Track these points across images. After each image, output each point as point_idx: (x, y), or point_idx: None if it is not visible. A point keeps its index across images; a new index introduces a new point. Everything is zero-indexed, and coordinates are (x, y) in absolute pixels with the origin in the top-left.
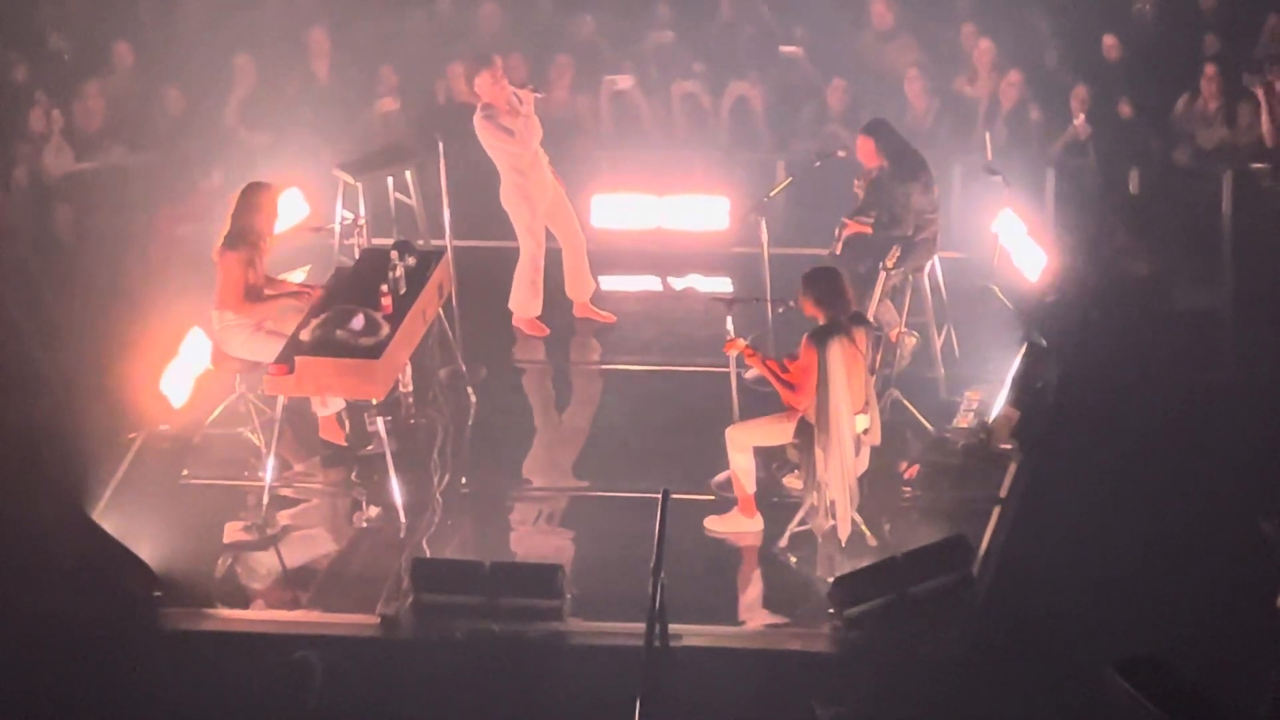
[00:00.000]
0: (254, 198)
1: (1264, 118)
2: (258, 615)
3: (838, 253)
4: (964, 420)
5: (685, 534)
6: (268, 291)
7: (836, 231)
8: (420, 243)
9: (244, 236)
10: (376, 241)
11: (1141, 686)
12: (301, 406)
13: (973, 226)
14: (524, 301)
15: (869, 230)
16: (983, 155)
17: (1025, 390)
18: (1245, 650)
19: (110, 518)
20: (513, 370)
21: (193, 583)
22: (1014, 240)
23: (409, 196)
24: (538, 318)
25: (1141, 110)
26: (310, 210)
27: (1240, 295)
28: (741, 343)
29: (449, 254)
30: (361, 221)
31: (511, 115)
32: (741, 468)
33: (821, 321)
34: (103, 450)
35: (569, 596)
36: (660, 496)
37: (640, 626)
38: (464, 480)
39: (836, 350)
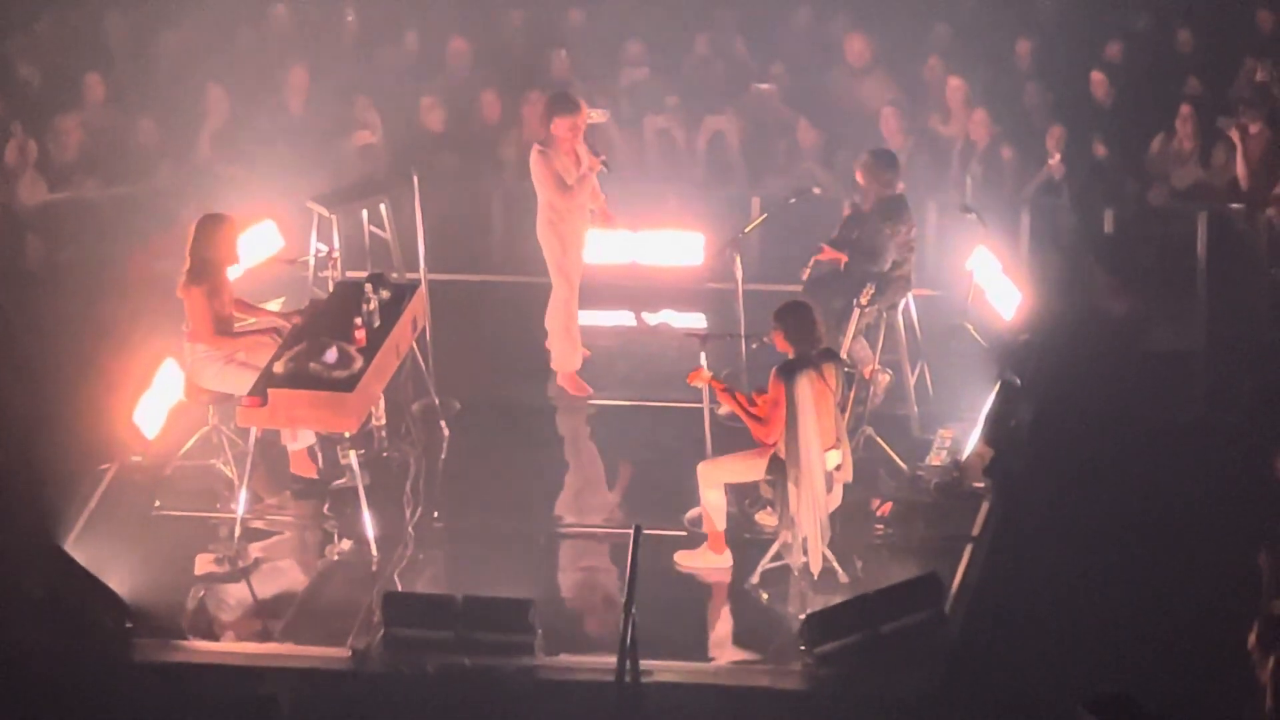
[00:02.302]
0: (211, 231)
1: (1239, 159)
2: (229, 647)
3: (804, 278)
4: (937, 458)
5: (657, 570)
6: (244, 318)
7: (811, 260)
8: (394, 276)
9: (204, 270)
10: (351, 274)
11: None
12: (274, 439)
13: (947, 264)
14: (565, 354)
15: (843, 257)
16: (958, 193)
17: (999, 429)
18: (1217, 689)
19: (82, 548)
20: (486, 404)
21: (164, 614)
22: (988, 278)
23: (383, 229)
24: (578, 373)
25: (1117, 150)
26: (285, 242)
27: (1214, 335)
28: (707, 374)
29: (423, 287)
30: (336, 254)
31: (574, 164)
32: (713, 504)
33: (791, 356)
34: (75, 481)
35: (540, 631)
36: (632, 532)
37: (611, 662)
38: (436, 514)
39: (805, 385)
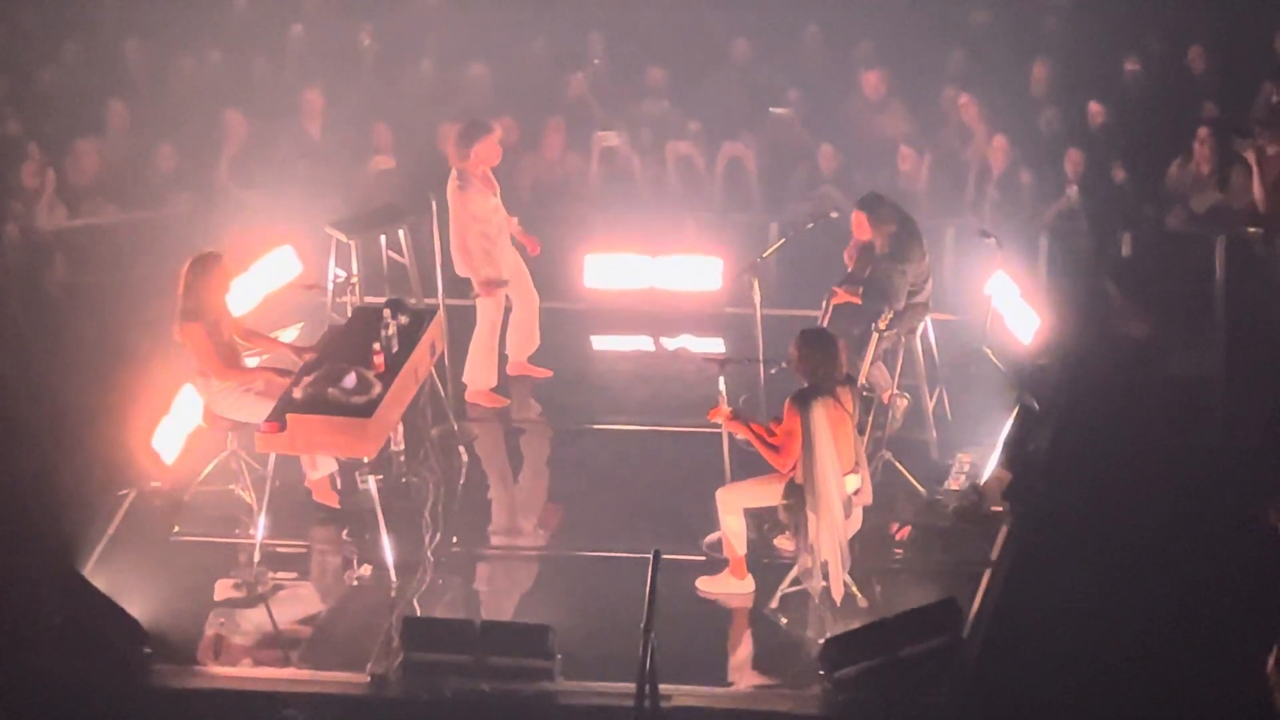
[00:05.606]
0: (200, 272)
1: (1255, 182)
2: (248, 673)
3: (824, 324)
4: (955, 483)
5: (676, 594)
6: (254, 348)
7: (824, 302)
8: (413, 301)
9: (196, 310)
10: (369, 300)
11: None
12: (293, 463)
13: (966, 289)
14: (486, 373)
15: (857, 300)
16: (976, 217)
17: (1017, 453)
18: (1236, 713)
19: (101, 574)
20: (505, 430)
21: (183, 640)
22: (1007, 303)
23: (402, 255)
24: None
25: (1134, 174)
26: (303, 268)
27: (1232, 360)
28: (726, 410)
29: (441, 313)
30: (354, 280)
31: (489, 187)
32: (732, 530)
33: (806, 383)
34: (94, 506)
35: (559, 656)
36: (651, 557)
37: (630, 687)
38: (455, 539)
39: (820, 412)
